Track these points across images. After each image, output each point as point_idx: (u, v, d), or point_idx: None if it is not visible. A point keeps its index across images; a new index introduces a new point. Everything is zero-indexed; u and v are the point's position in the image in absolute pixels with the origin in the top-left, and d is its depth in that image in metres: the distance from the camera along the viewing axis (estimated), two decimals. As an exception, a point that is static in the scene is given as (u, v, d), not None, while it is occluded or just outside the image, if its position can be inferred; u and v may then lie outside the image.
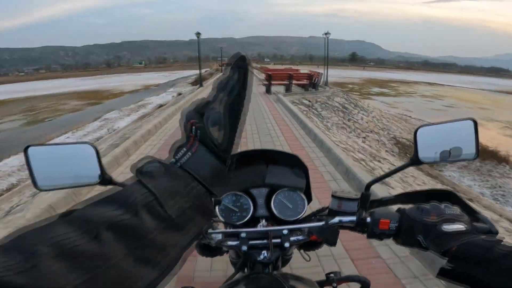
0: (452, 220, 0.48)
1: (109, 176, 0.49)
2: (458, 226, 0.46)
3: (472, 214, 0.53)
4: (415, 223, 0.51)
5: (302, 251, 0.77)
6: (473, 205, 0.55)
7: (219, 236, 0.61)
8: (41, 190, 0.48)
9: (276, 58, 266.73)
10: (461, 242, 0.44)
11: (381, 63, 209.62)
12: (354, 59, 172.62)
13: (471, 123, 0.53)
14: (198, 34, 15.06)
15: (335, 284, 0.64)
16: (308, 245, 0.73)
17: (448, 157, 0.55)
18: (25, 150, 0.46)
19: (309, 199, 0.76)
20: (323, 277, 0.66)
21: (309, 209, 0.73)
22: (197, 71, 51.79)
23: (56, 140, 11.40)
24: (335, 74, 46.68)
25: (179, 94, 20.43)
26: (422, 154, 0.55)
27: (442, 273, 0.45)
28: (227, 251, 0.78)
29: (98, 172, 0.48)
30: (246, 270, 0.67)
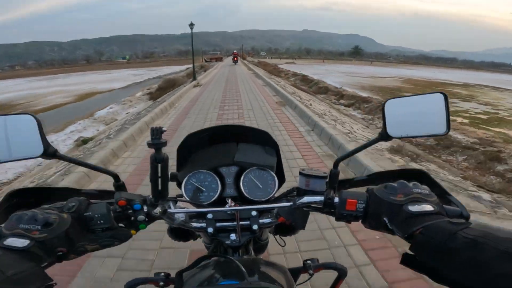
0: (420, 200, 0.44)
1: (54, 148, 0.48)
2: (425, 207, 0.43)
3: (443, 196, 0.50)
4: (381, 202, 0.47)
5: (277, 236, 0.74)
6: (444, 186, 0.52)
7: (182, 217, 0.58)
8: None
9: (270, 51, 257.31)
10: (424, 225, 0.40)
11: (381, 57, 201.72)
12: (357, 53, 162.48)
13: (441, 96, 0.51)
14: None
15: (312, 271, 0.62)
16: (284, 230, 0.71)
17: (418, 131, 0.53)
18: None
19: (282, 180, 0.72)
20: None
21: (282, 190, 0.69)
22: (182, 67, 41.99)
23: None
24: (347, 71, 39.96)
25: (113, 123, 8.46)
26: (390, 129, 0.52)
27: (404, 260, 0.41)
28: (200, 236, 0.74)
29: (41, 144, 0.46)
30: (218, 253, 0.64)
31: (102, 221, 0.47)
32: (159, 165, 0.50)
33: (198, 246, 0.72)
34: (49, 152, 0.47)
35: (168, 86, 14.76)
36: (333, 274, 0.64)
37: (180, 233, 0.70)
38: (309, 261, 0.63)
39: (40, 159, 0.48)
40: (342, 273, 0.62)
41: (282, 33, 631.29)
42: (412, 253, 0.40)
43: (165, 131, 0.50)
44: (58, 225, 0.42)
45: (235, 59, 33.68)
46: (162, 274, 0.58)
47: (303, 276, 0.63)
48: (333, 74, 32.49)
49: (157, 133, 0.49)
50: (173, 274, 0.55)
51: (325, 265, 0.63)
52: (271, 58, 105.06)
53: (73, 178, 2.66)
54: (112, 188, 0.56)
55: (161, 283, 0.56)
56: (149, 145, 0.49)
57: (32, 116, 0.47)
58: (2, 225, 0.41)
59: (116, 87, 23.52)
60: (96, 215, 0.47)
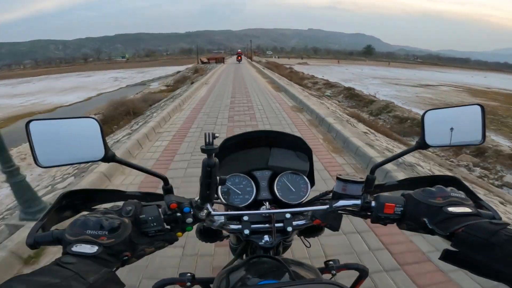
0: (458, 203, 0.47)
1: (113, 152, 0.49)
2: (464, 209, 0.46)
3: (476, 201, 0.52)
4: (420, 205, 0.50)
5: (302, 237, 0.76)
6: (476, 192, 0.54)
7: (222, 219, 0.59)
8: (42, 167, 0.47)
9: (276, 50, 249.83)
10: (467, 224, 0.42)
11: (392, 56, 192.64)
12: (369, 53, 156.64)
13: (478, 108, 0.53)
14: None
15: (334, 271, 0.64)
16: (309, 231, 0.73)
17: (454, 140, 0.55)
18: (27, 125, 0.45)
19: (312, 183, 0.74)
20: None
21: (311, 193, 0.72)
22: (181, 67, 35.03)
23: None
24: (378, 75, 34.28)
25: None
26: (429, 138, 0.54)
27: (446, 256, 0.43)
28: (227, 237, 0.76)
29: (102, 148, 0.47)
30: (244, 256, 0.66)
31: (154, 224, 0.48)
32: (210, 169, 0.49)
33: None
34: (109, 156, 0.48)
35: (116, 114, 7.58)
36: (355, 274, 0.65)
37: (210, 233, 0.71)
38: (331, 262, 0.66)
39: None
40: (363, 273, 0.64)
41: (287, 32, 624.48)
42: (454, 249, 0.42)
43: (217, 136, 0.50)
44: (123, 230, 0.44)
45: (239, 58, 34.80)
46: (189, 274, 0.59)
47: (324, 277, 0.64)
48: (367, 80, 27.31)
49: (210, 139, 0.49)
50: (198, 275, 0.58)
51: (348, 265, 0.65)
52: (278, 57, 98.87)
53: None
54: (152, 190, 0.60)
55: (188, 284, 0.58)
56: (203, 150, 0.49)
57: (95, 120, 0.48)
58: (65, 231, 0.42)
59: (69, 101, 17.48)
60: (150, 218, 0.48)
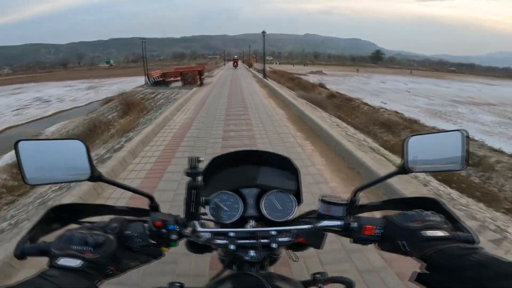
0: (434, 227, 0.49)
1: (99, 172, 0.51)
2: (439, 232, 0.48)
3: (455, 223, 0.54)
4: (399, 228, 0.52)
5: (290, 251, 0.80)
6: (456, 214, 0.56)
7: (208, 235, 0.62)
8: (30, 185, 0.49)
9: (273, 55, 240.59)
10: (438, 248, 0.45)
11: (392, 62, 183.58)
12: (378, 58, 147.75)
13: (459, 134, 0.54)
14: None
15: (321, 285, 0.65)
16: (296, 246, 0.76)
17: (435, 167, 0.57)
18: (15, 145, 0.47)
19: (299, 201, 0.76)
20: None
21: (299, 211, 0.74)
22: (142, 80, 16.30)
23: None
24: (452, 95, 25.49)
25: None
26: (410, 163, 0.55)
27: (418, 279, 0.45)
28: (216, 248, 0.78)
29: (88, 168, 0.49)
30: (234, 267, 0.67)
31: (140, 240, 0.51)
32: (194, 191, 0.53)
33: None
34: (95, 176, 0.50)
35: None
36: (341, 287, 0.66)
37: (199, 246, 0.73)
38: (318, 275, 0.66)
39: None
40: (349, 286, 0.65)
41: (283, 37, 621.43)
42: (425, 272, 0.45)
43: (202, 160, 0.53)
44: (107, 246, 0.46)
45: (235, 63, 34.19)
46: (177, 284, 0.60)
47: None
48: (456, 108, 18.47)
49: (194, 163, 0.52)
50: (187, 284, 0.59)
51: (334, 278, 0.66)
52: (279, 63, 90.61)
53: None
54: (141, 206, 0.61)
55: None
56: (187, 174, 0.52)
57: (81, 141, 0.50)
58: (51, 245, 0.45)
59: None
60: (135, 234, 0.51)
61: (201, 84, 13.90)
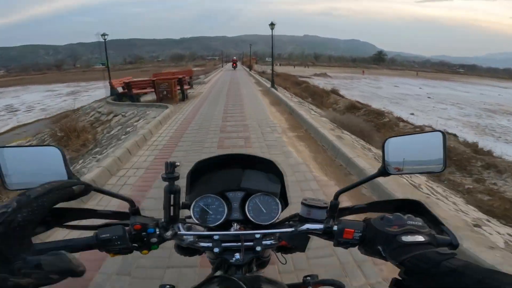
0: (413, 231, 0.48)
1: (76, 177, 0.52)
2: (417, 237, 0.47)
3: (437, 225, 0.54)
4: (377, 233, 0.51)
5: (279, 254, 0.79)
6: (438, 216, 0.56)
7: (191, 238, 0.63)
8: (10, 190, 0.50)
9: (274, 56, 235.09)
10: (413, 254, 0.44)
11: (393, 63, 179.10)
12: (381, 59, 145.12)
13: (439, 134, 0.53)
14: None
15: (311, 287, 0.65)
16: (284, 249, 0.76)
17: (416, 169, 0.57)
18: None
19: (286, 204, 0.76)
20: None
21: (286, 213, 0.74)
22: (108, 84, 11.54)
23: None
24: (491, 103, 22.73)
25: None
26: (389, 166, 0.55)
27: (394, 284, 0.45)
28: (205, 251, 0.79)
29: (65, 173, 0.51)
30: (223, 269, 0.69)
31: (119, 242, 0.52)
32: (172, 195, 0.55)
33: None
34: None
35: None
36: None
37: (187, 249, 0.73)
38: (308, 277, 0.66)
39: None
40: None
41: (283, 38, 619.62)
42: (401, 278, 0.44)
43: (178, 165, 0.54)
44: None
45: (234, 64, 34.73)
46: (168, 286, 0.61)
47: None
48: (492, 120, 15.13)
49: (170, 167, 0.53)
50: (178, 287, 0.60)
51: (324, 281, 0.66)
52: (280, 64, 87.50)
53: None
54: (124, 210, 0.62)
55: None
56: (164, 179, 0.53)
57: (58, 148, 0.51)
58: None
59: None
60: (114, 237, 0.52)
61: (184, 99, 9.89)
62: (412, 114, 13.64)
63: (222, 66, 46.35)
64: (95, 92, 22.13)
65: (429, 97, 23.95)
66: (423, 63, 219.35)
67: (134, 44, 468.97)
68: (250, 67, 34.83)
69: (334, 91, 15.02)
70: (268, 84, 13.44)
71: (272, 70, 14.59)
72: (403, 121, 9.93)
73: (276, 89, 12.17)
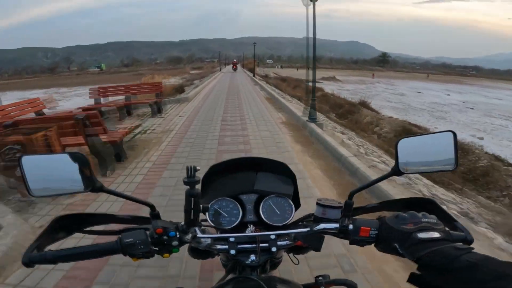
0: (428, 228, 0.49)
1: (100, 183, 0.53)
2: (432, 234, 0.48)
3: (450, 222, 0.55)
4: (393, 230, 0.52)
5: (291, 254, 0.80)
6: (451, 213, 0.56)
7: (208, 241, 0.63)
8: (34, 197, 0.51)
9: (272, 58, 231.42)
10: (431, 250, 0.45)
11: (395, 65, 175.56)
12: (385, 61, 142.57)
13: (450, 134, 0.55)
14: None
15: (323, 287, 0.66)
16: (297, 249, 0.77)
17: (428, 168, 0.58)
18: (19, 160, 0.50)
19: (297, 206, 0.77)
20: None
21: (298, 214, 0.75)
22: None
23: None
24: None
25: None
26: (402, 165, 0.56)
27: (412, 279, 0.45)
28: (218, 254, 0.79)
29: (91, 179, 0.52)
30: (236, 272, 0.69)
31: (142, 247, 0.54)
32: (193, 199, 0.55)
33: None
34: (97, 187, 0.52)
35: None
36: None
37: (201, 251, 0.74)
38: (320, 278, 0.67)
39: None
40: None
41: (282, 40, 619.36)
42: (419, 273, 0.44)
43: (199, 169, 0.55)
44: None
45: (234, 67, 35.29)
46: None
47: None
48: None
49: (191, 172, 0.54)
50: None
51: (336, 281, 0.66)
52: (281, 67, 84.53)
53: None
54: (143, 214, 0.64)
55: None
56: (185, 183, 0.54)
57: (82, 155, 0.52)
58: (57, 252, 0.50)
59: None
60: (137, 241, 0.53)
61: (119, 159, 3.72)
62: (474, 136, 10.56)
63: (220, 70, 41.41)
64: (71, 100, 18.45)
65: (471, 108, 20.53)
66: (423, 65, 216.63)
67: (133, 46, 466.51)
68: (252, 71, 27.21)
69: (363, 104, 11.83)
70: (292, 105, 7.48)
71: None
72: (501, 161, 6.37)
73: (316, 121, 5.43)
